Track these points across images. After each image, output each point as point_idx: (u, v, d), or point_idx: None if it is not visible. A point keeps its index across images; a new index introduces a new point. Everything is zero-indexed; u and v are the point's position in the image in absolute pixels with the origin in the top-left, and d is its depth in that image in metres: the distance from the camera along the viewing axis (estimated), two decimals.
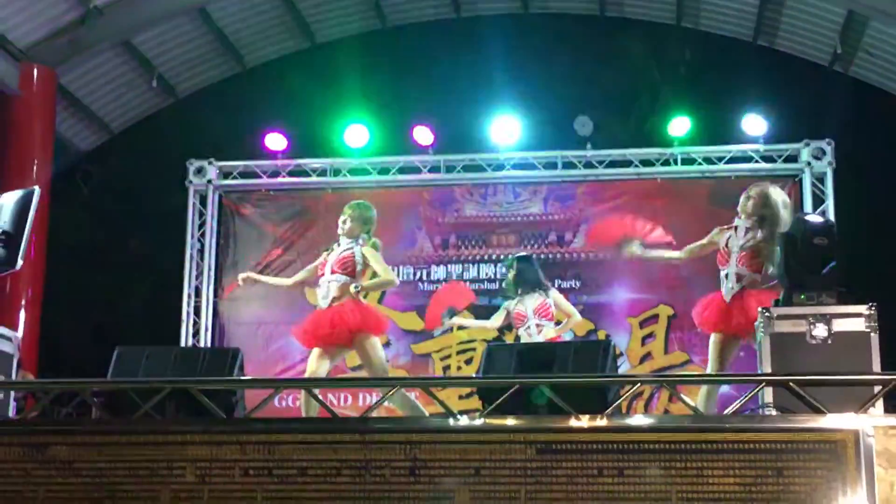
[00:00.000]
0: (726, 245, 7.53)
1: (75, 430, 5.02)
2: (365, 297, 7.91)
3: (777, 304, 6.58)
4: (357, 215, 7.97)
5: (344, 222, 7.95)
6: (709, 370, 7.52)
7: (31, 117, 11.65)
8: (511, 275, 9.09)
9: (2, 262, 6.71)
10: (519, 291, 9.07)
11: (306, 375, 7.79)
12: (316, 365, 7.62)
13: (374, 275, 7.87)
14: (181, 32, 12.63)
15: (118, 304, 11.78)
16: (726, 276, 7.47)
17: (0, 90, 11.52)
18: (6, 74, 11.43)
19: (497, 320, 9.31)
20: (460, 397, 10.14)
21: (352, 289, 7.67)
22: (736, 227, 7.57)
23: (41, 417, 5.79)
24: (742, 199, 7.63)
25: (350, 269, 7.76)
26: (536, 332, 8.83)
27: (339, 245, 7.91)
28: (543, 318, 8.88)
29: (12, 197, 6.93)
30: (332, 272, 7.80)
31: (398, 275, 11.77)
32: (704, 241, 7.82)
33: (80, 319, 11.67)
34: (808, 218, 7.39)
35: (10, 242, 6.67)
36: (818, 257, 6.78)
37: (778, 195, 7.58)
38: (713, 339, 7.47)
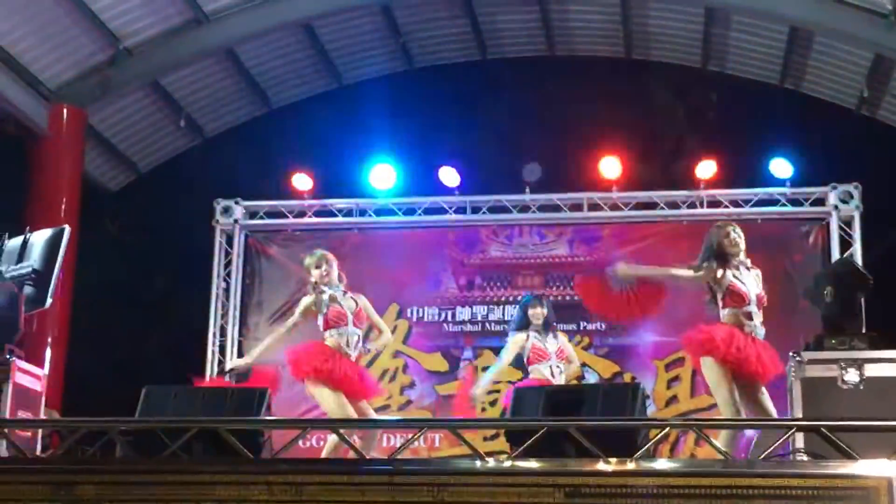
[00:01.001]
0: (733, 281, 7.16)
1: (103, 469, 5.01)
2: None
3: (808, 348, 6.53)
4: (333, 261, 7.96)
5: (327, 272, 7.86)
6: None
7: (59, 157, 11.74)
8: (545, 312, 8.96)
9: (32, 300, 6.76)
10: (544, 330, 8.99)
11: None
12: (340, 410, 7.59)
13: (370, 328, 8.02)
14: (209, 73, 12.74)
15: (144, 343, 11.81)
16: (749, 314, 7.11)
17: (30, 130, 11.62)
18: (36, 115, 11.54)
19: (510, 355, 9.10)
20: (485, 439, 10.10)
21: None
22: (737, 267, 7.21)
23: (68, 456, 5.79)
24: (734, 238, 7.18)
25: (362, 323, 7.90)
26: (558, 373, 8.79)
27: (337, 293, 7.84)
28: (561, 360, 8.85)
29: (42, 236, 6.99)
30: (355, 325, 7.85)
31: (424, 316, 11.81)
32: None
33: (105, 358, 11.70)
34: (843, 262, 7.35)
35: (39, 281, 6.73)
36: (853, 302, 6.74)
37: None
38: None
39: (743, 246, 7.23)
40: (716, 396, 7.03)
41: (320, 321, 7.88)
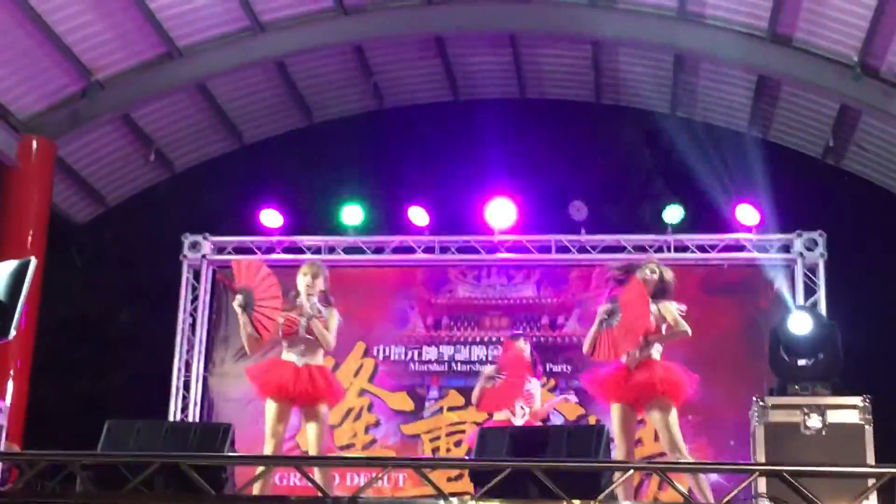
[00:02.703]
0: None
1: (62, 503, 4.97)
2: None
3: (771, 393, 6.59)
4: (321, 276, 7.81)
5: (311, 284, 7.77)
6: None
7: (28, 188, 11.67)
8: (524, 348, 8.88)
9: None
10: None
11: (268, 431, 7.43)
12: (276, 423, 7.29)
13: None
14: (181, 108, 12.73)
15: (107, 377, 11.74)
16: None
17: None
18: (5, 145, 11.48)
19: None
20: (449, 479, 10.05)
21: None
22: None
23: (28, 490, 5.73)
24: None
25: None
26: (521, 415, 8.77)
27: (316, 307, 7.71)
28: (527, 404, 8.83)
29: (7, 267, 6.92)
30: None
31: (390, 354, 11.79)
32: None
33: (68, 391, 11.62)
34: (795, 311, 7.42)
35: (3, 312, 6.65)
36: (804, 347, 6.80)
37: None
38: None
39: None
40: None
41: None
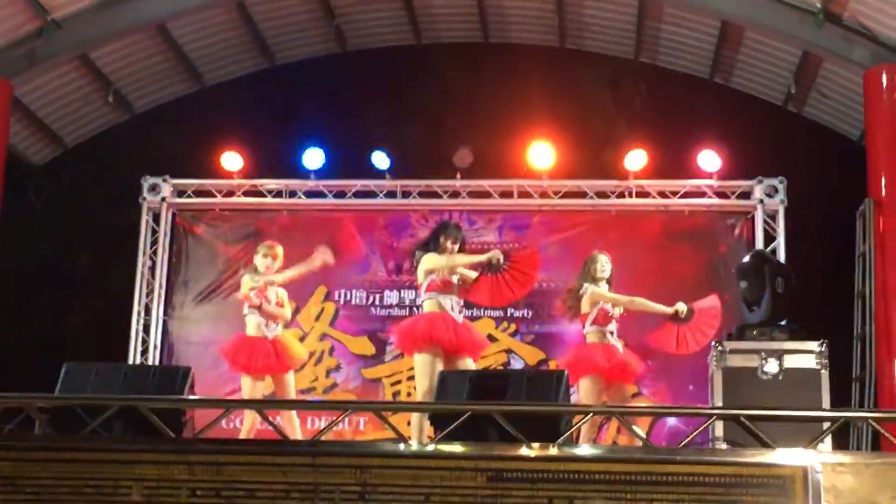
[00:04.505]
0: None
1: (19, 446, 4.94)
2: None
3: (730, 337, 6.64)
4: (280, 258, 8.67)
5: (277, 256, 8.56)
6: None
7: None
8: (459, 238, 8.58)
9: None
10: None
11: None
12: (251, 391, 8.25)
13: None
14: (139, 48, 12.53)
15: (66, 320, 11.63)
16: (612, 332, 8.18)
17: None
18: None
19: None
20: (409, 423, 10.10)
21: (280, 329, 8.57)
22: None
23: None
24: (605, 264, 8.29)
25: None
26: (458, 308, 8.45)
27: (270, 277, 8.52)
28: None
29: None
30: (280, 305, 8.59)
31: (351, 299, 11.79)
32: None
33: (27, 334, 11.51)
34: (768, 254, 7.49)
35: None
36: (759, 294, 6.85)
37: None
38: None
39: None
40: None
41: (245, 303, 8.51)
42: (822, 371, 6.40)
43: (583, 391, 7.96)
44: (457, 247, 8.23)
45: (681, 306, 8.13)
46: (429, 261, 8.14)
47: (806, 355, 6.41)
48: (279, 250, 8.61)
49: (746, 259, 7.83)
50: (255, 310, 8.45)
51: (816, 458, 4.54)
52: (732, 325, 7.70)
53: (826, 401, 6.39)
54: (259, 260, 8.55)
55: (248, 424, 8.19)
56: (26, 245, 11.85)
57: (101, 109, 13.14)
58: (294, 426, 8.20)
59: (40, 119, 12.77)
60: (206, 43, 12.81)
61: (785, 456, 4.60)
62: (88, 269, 12.07)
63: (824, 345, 6.56)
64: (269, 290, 8.53)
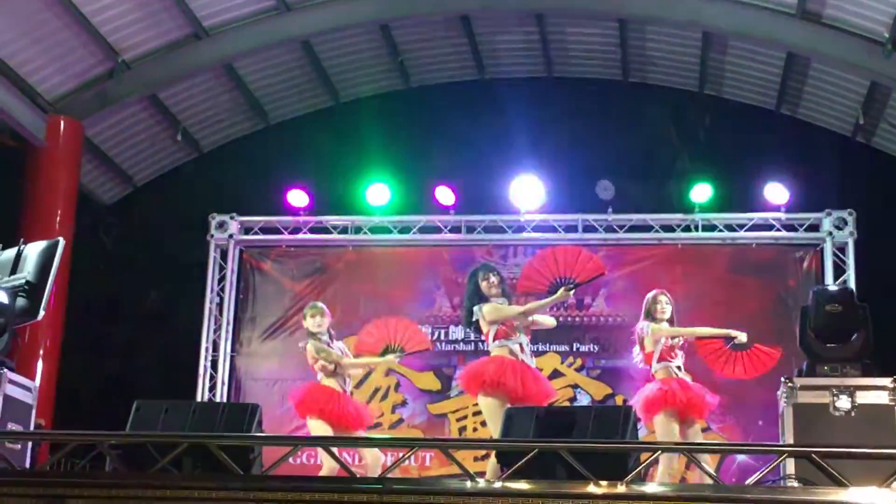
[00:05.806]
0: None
1: (92, 483, 5.00)
2: None
3: (800, 373, 6.54)
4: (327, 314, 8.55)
5: (320, 324, 8.36)
6: None
7: (56, 169, 11.74)
8: (498, 280, 8.48)
9: (24, 312, 6.74)
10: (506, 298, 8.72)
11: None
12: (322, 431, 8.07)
13: None
14: (207, 88, 12.75)
15: (135, 357, 11.79)
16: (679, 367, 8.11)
17: (27, 142, 11.61)
18: (34, 126, 11.54)
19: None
20: (475, 459, 10.06)
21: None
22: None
23: (57, 469, 5.77)
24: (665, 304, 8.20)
25: None
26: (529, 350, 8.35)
27: (332, 338, 8.42)
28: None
29: (36, 248, 6.98)
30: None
31: None
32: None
33: (97, 371, 11.68)
34: (822, 288, 7.39)
35: (32, 293, 6.71)
36: (834, 327, 6.75)
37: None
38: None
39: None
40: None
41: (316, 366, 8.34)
42: None
43: (659, 426, 7.82)
44: (496, 281, 8.20)
45: (741, 334, 8.14)
46: (493, 312, 8.06)
47: (879, 391, 6.29)
48: (322, 306, 8.52)
49: (833, 288, 7.75)
50: (331, 373, 8.31)
51: (891, 497, 4.46)
52: (803, 360, 7.57)
53: None
54: (309, 322, 8.42)
55: (327, 466, 8.05)
56: (96, 283, 12.05)
57: (170, 148, 13.36)
58: (379, 464, 8.10)
59: (110, 158, 13.01)
60: (271, 81, 12.99)
61: (859, 494, 4.53)
62: (157, 306, 12.23)
63: None
64: (334, 344, 8.41)
